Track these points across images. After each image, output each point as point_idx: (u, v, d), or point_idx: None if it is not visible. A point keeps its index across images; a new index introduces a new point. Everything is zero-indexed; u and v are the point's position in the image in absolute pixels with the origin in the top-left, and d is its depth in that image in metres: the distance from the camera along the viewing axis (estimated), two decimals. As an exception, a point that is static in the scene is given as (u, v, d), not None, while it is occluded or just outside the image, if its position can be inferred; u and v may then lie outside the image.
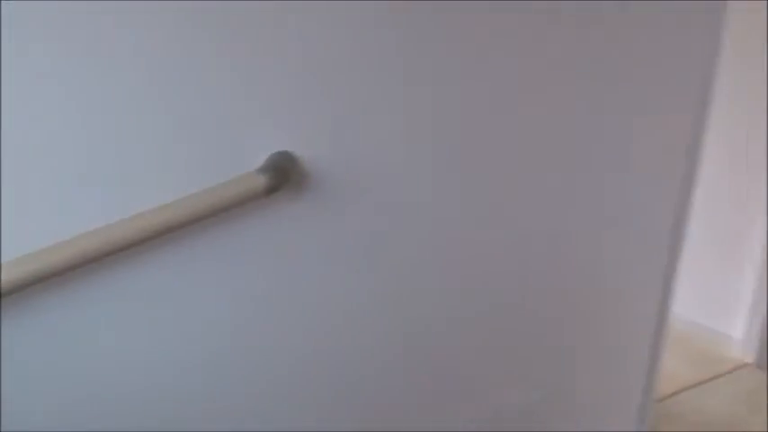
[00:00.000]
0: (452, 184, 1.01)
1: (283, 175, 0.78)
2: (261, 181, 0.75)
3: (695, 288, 2.25)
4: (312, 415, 1.01)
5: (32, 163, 0.72)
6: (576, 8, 1.02)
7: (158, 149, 0.76)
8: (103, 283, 0.79)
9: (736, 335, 2.19)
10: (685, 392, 2.00)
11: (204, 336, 0.88)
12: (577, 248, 1.26)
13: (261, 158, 0.80)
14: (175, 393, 0.89)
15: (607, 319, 1.41)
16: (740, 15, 1.96)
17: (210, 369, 0.90)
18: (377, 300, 1.00)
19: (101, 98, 0.72)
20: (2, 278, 0.64)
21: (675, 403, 1.96)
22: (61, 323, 0.79)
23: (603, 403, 1.46)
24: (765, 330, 2.10)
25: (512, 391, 1.24)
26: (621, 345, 1.49)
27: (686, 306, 2.25)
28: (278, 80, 0.81)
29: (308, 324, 0.95)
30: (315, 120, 0.86)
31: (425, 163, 0.98)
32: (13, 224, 0.72)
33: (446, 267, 1.06)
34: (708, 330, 2.28)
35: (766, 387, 2.03)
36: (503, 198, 1.08)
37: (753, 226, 2.12)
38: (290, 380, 0.97)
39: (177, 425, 0.90)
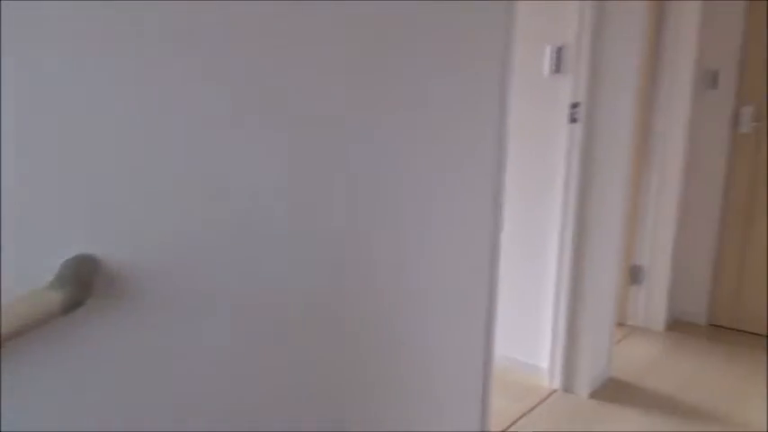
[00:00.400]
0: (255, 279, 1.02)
1: (83, 287, 0.72)
2: (55, 298, 0.67)
3: (503, 323, 2.49)
4: None
5: None
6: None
7: None
8: None
9: (543, 365, 2.45)
10: (515, 425, 2.17)
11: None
12: (398, 296, 1.34)
13: (56, 265, 0.73)
14: None
15: (434, 368, 1.50)
16: None
17: None
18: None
19: None
20: None
21: (506, 438, 2.12)
22: None
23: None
24: (566, 358, 2.38)
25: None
26: (451, 390, 1.59)
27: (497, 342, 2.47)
28: (66, 174, 0.76)
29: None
30: (116, 217, 0.81)
31: (228, 247, 0.98)
32: None
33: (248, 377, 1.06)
34: (517, 363, 2.51)
35: (578, 407, 2.29)
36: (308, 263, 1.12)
37: (546, 269, 2.42)
38: None
39: None
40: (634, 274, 3.17)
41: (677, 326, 3.20)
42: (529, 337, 2.52)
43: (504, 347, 2.55)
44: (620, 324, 3.20)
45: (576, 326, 2.39)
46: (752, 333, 3.10)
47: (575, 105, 2.28)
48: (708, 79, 3.07)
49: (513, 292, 2.53)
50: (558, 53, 2.32)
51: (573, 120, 2.29)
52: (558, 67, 2.33)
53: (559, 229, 2.37)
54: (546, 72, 2.36)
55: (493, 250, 1.66)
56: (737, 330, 3.14)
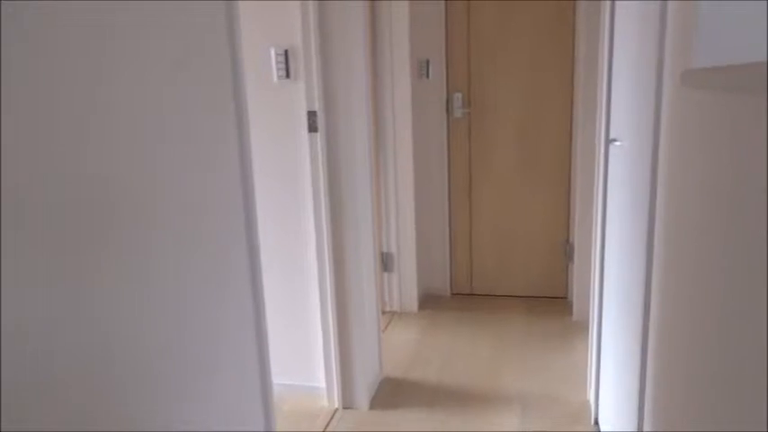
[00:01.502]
0: None
1: None
2: None
3: (277, 350, 2.30)
4: None
5: None
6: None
7: None
8: None
9: (321, 385, 2.33)
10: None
11: None
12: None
13: None
14: None
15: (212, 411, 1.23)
16: None
17: None
18: None
19: None
20: None
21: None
22: None
23: None
24: (342, 374, 2.30)
25: None
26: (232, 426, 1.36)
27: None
28: None
29: None
30: None
31: None
32: None
33: None
34: (296, 388, 2.36)
35: (361, 423, 2.24)
36: None
37: (309, 285, 2.28)
38: None
39: None
40: (386, 262, 3.27)
41: (428, 302, 3.42)
42: (303, 359, 2.37)
43: (282, 374, 2.36)
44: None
45: (346, 339, 2.32)
46: (484, 295, 3.49)
47: (311, 114, 2.14)
48: (422, 69, 3.25)
49: (280, 313, 2.34)
50: (286, 57, 2.14)
51: (312, 129, 2.15)
52: (287, 72, 2.15)
53: (316, 243, 2.24)
54: (275, 78, 2.16)
55: (254, 275, 1.45)
56: (473, 295, 3.50)
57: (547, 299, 3.39)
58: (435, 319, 3.18)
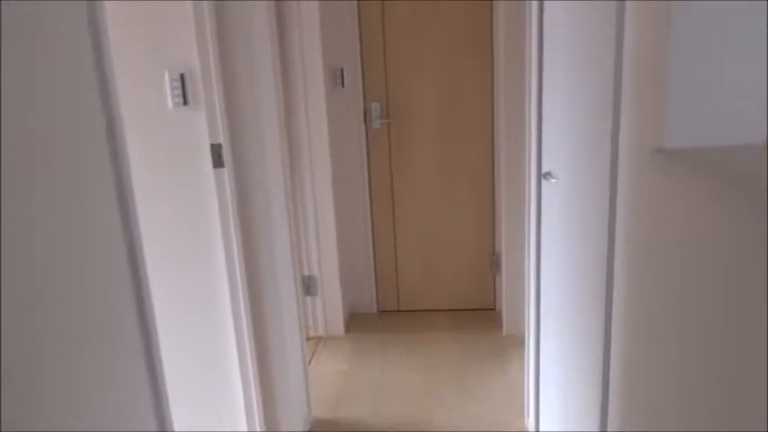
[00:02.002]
0: None
1: None
2: None
3: (194, 398, 2.06)
4: None
5: None
6: None
7: None
8: None
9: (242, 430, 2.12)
10: None
11: None
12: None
13: None
14: None
15: None
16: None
17: None
18: None
19: None
20: None
21: None
22: None
23: None
24: (265, 420, 2.10)
25: None
26: None
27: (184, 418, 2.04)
28: None
29: None
30: None
31: None
32: None
33: None
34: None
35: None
36: None
37: (224, 329, 2.04)
38: None
39: None
40: (308, 286, 3.06)
41: (355, 322, 3.25)
42: (222, 404, 2.13)
43: (201, 422, 2.11)
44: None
45: (268, 380, 2.11)
46: (411, 311, 3.37)
47: (216, 147, 1.88)
48: (336, 78, 3.03)
49: (196, 359, 2.08)
50: (182, 82, 1.86)
51: (218, 164, 1.89)
52: (184, 98, 1.87)
53: (229, 285, 2.00)
54: (170, 105, 1.88)
55: (145, 336, 1.21)
56: (400, 312, 3.37)
57: (475, 311, 3.32)
58: (363, 343, 3.02)
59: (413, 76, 3.06)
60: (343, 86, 3.06)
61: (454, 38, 2.99)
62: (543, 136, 1.76)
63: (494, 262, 3.25)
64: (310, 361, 2.86)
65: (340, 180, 3.12)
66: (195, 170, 1.92)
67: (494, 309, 3.32)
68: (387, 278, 3.34)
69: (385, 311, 3.37)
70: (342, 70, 3.04)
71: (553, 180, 1.57)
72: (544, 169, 1.71)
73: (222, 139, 1.87)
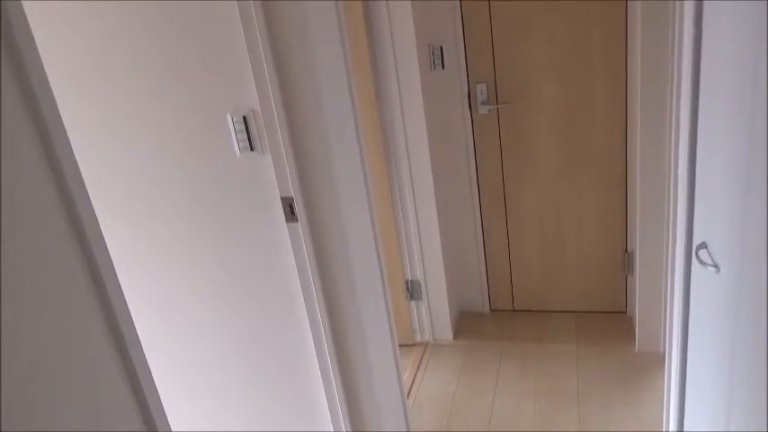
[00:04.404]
0: None
1: None
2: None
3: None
4: None
5: None
6: None
7: None
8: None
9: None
10: None
11: None
12: None
13: None
14: None
15: None
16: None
17: None
18: None
19: None
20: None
21: None
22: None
23: None
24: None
25: None
26: None
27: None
28: None
29: None
30: None
31: None
32: None
33: None
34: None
35: None
36: None
37: (317, 388, 1.90)
38: None
39: None
40: (411, 291, 2.84)
41: (465, 324, 3.00)
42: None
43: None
44: (408, 345, 2.90)
45: (358, 405, 1.96)
46: (528, 311, 3.04)
47: (286, 200, 1.64)
48: (433, 57, 2.63)
49: (281, 402, 1.97)
50: (245, 124, 1.62)
51: (291, 218, 1.66)
52: (250, 143, 1.64)
53: (315, 343, 1.82)
54: (237, 152, 1.65)
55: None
56: (516, 311, 3.05)
57: (602, 314, 2.91)
58: (473, 354, 2.77)
59: (527, 51, 2.56)
60: (443, 67, 2.65)
61: (581, 4, 2.42)
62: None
63: (626, 261, 2.79)
64: (414, 377, 2.68)
65: (441, 173, 2.78)
66: (267, 222, 1.70)
67: (624, 312, 2.89)
68: (499, 275, 3.01)
69: (498, 311, 3.08)
70: (441, 48, 2.62)
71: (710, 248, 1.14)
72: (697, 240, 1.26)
73: (292, 190, 1.62)
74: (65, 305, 0.75)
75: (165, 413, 0.91)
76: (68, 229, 0.76)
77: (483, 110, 2.68)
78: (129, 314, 0.86)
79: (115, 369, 0.84)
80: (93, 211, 0.79)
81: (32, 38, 0.70)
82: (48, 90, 0.72)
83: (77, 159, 0.77)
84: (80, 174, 0.78)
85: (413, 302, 2.87)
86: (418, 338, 2.93)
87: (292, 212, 1.65)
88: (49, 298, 0.72)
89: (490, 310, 3.08)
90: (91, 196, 0.80)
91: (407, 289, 2.83)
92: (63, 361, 0.73)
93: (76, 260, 0.76)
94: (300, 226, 1.65)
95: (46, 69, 0.73)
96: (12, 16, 0.67)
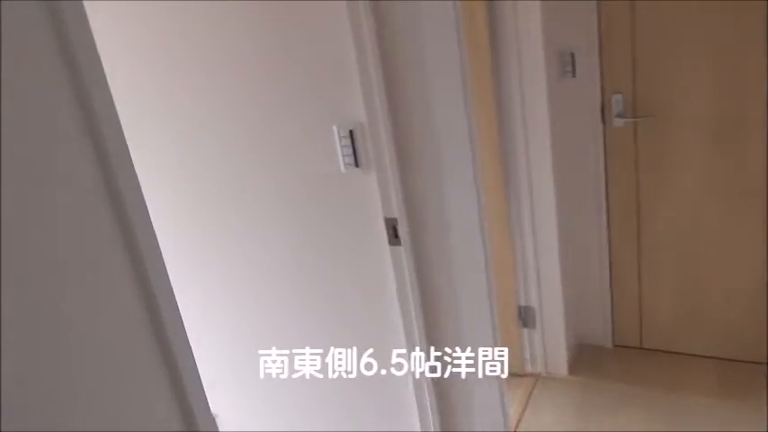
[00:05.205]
0: None
1: None
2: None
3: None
4: None
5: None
6: None
7: None
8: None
9: None
10: None
11: None
12: None
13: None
14: None
15: None
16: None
17: None
18: None
19: None
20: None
21: None
22: None
23: None
24: None
25: None
26: None
27: None
28: None
29: None
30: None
31: None
32: None
33: None
34: None
35: None
36: None
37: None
38: None
39: None
40: (524, 318, 2.61)
41: (583, 358, 2.72)
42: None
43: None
44: (518, 375, 2.67)
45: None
46: (658, 351, 2.68)
47: (390, 221, 1.52)
48: (564, 65, 2.38)
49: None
50: (351, 139, 1.52)
51: (394, 241, 1.54)
52: (355, 159, 1.54)
53: (413, 382, 1.69)
54: (342, 167, 1.56)
55: None
56: (643, 350, 2.71)
57: (749, 364, 2.49)
58: (590, 393, 2.49)
59: (674, 59, 2.23)
60: (573, 75, 2.40)
61: (745, 5, 2.07)
62: None
63: (787, 305, 2.36)
64: (522, 413, 2.45)
65: (566, 192, 2.52)
66: (368, 244, 1.60)
67: (779, 365, 2.45)
68: (626, 308, 2.69)
69: (622, 347, 2.75)
70: (572, 55, 2.37)
71: None
72: None
73: (396, 212, 1.50)
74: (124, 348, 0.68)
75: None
76: (124, 251, 0.69)
77: (618, 123, 2.39)
78: (186, 333, 0.78)
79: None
80: (155, 238, 0.72)
81: (97, 53, 0.63)
82: (110, 106, 0.65)
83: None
84: (140, 189, 0.70)
85: (525, 330, 2.65)
86: (529, 369, 2.70)
87: (396, 235, 1.53)
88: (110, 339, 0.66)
89: (613, 345, 2.77)
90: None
91: (520, 316, 2.61)
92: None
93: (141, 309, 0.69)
94: (404, 250, 1.53)
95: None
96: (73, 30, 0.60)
